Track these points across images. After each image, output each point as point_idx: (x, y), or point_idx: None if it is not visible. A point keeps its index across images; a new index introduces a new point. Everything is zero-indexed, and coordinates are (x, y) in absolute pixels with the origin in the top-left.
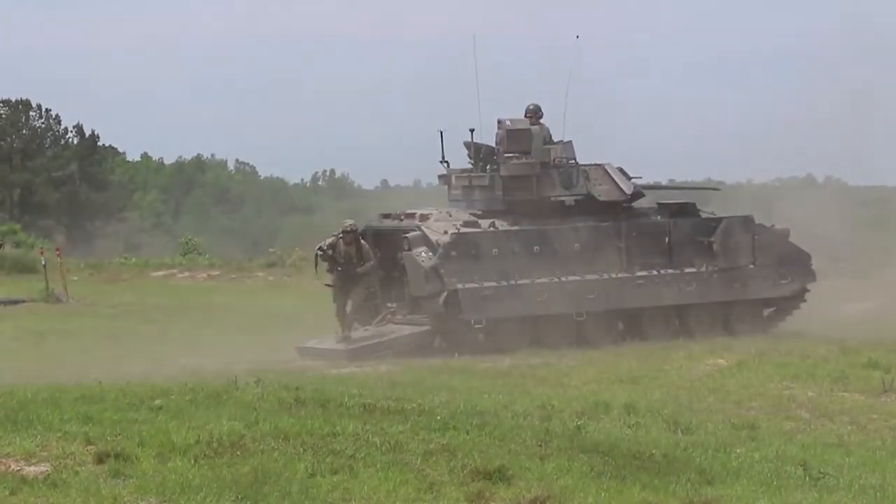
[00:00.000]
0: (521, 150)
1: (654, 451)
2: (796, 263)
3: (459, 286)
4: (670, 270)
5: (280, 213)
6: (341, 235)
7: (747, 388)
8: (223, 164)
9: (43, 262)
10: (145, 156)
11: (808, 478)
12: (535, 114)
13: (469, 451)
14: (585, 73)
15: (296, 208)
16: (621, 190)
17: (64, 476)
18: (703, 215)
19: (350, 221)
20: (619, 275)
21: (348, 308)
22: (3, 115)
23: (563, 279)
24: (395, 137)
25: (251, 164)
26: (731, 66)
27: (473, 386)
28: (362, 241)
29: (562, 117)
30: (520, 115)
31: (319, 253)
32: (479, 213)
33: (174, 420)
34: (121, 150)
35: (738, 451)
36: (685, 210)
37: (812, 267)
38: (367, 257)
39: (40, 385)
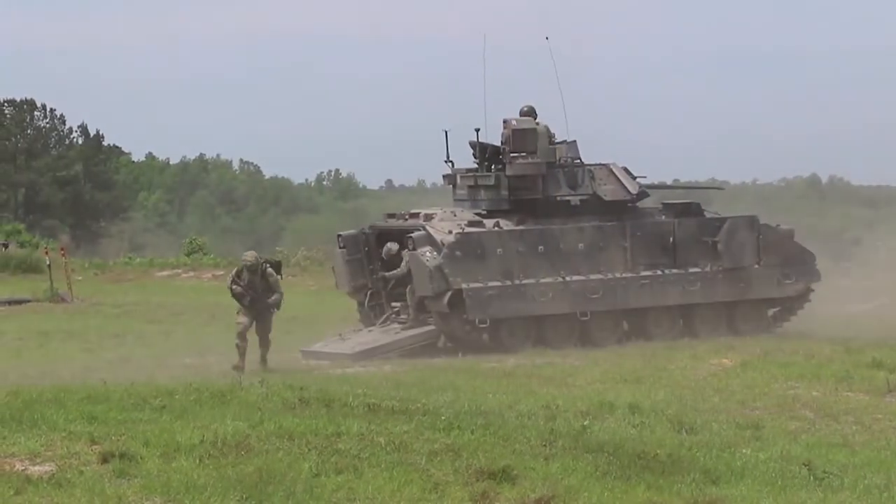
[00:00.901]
0: (526, 149)
1: (658, 451)
2: (801, 263)
3: (464, 286)
4: (675, 270)
5: (284, 213)
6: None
7: (752, 388)
8: (228, 163)
9: (47, 262)
10: (150, 156)
11: (812, 478)
12: (529, 115)
13: (474, 451)
14: (588, 73)
15: (300, 208)
16: (626, 190)
17: (69, 476)
18: (708, 215)
19: (250, 255)
20: (624, 274)
21: (254, 331)
22: (8, 115)
23: (568, 279)
24: (399, 137)
25: (256, 163)
26: (733, 67)
27: (478, 386)
28: (269, 271)
29: (565, 117)
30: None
31: (234, 288)
32: (484, 212)
33: (179, 420)
34: (125, 149)
35: (742, 450)
36: (690, 210)
37: (816, 267)
38: (275, 288)
39: (45, 385)
